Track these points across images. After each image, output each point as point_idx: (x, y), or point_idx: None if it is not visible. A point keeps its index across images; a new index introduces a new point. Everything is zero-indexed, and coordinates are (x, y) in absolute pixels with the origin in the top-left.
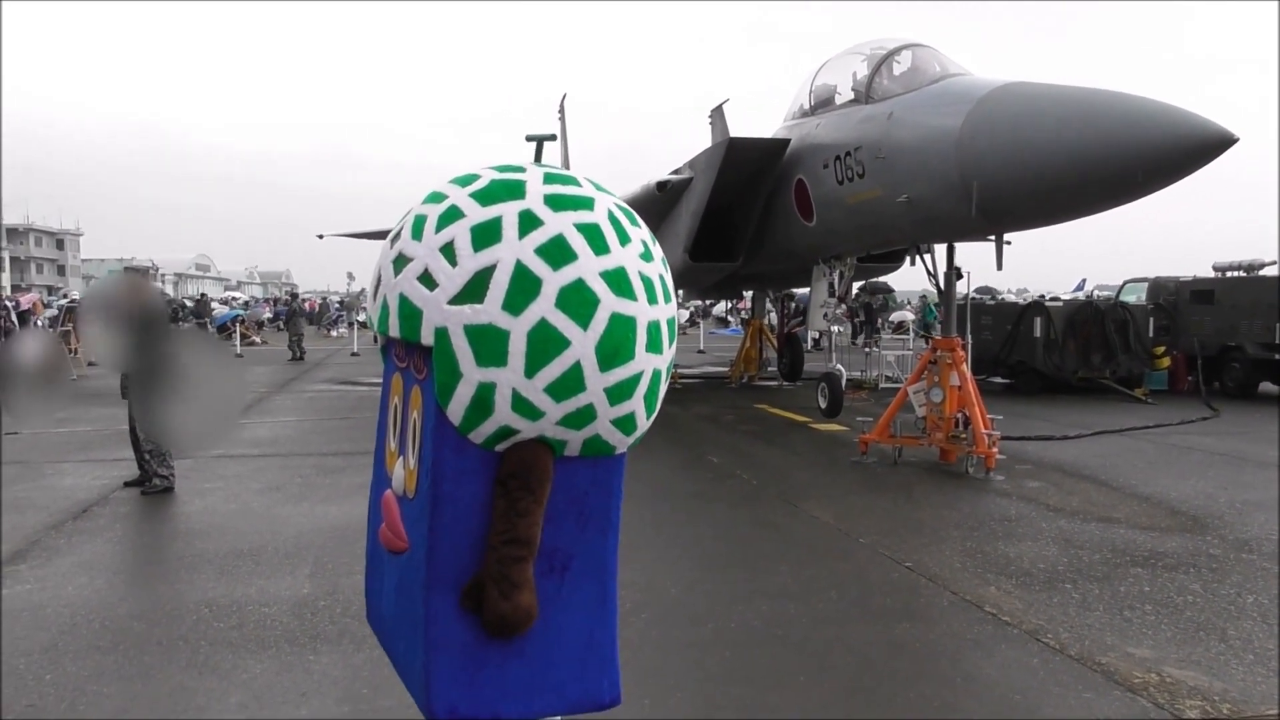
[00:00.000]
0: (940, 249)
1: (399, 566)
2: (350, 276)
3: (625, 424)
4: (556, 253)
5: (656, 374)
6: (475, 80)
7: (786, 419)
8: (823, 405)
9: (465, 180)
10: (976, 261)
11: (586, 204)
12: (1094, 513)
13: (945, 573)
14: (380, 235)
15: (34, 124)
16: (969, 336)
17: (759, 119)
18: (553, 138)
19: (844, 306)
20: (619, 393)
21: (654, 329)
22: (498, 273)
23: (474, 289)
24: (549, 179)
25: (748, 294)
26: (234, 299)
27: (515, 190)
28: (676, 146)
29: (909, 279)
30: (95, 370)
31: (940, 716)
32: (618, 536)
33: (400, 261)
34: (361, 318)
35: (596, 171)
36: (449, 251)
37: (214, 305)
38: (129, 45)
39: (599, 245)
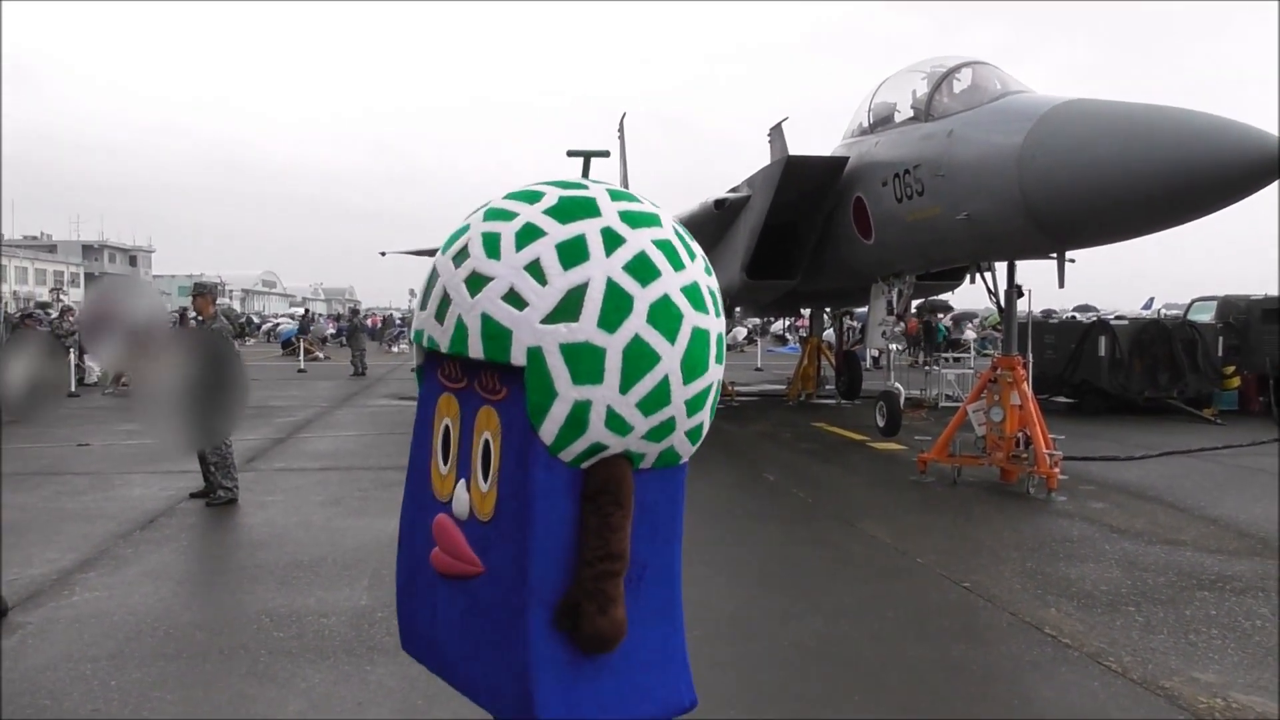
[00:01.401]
0: (1001, 267)
1: (467, 591)
2: (412, 293)
3: (695, 434)
4: (642, 270)
5: (719, 385)
6: (542, 92)
7: (844, 437)
8: (881, 424)
9: (530, 196)
10: (1039, 279)
11: (656, 221)
12: (1159, 534)
13: (1004, 594)
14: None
15: (108, 144)
16: (1030, 355)
17: (820, 134)
18: (606, 154)
19: (901, 325)
20: (695, 404)
21: (720, 341)
22: (590, 290)
23: (568, 307)
24: (613, 195)
25: (806, 312)
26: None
27: (589, 207)
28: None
29: (969, 297)
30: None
31: None
32: (681, 543)
33: (476, 281)
34: None
35: (655, 187)
36: (536, 270)
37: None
38: (201, 65)
39: (676, 261)
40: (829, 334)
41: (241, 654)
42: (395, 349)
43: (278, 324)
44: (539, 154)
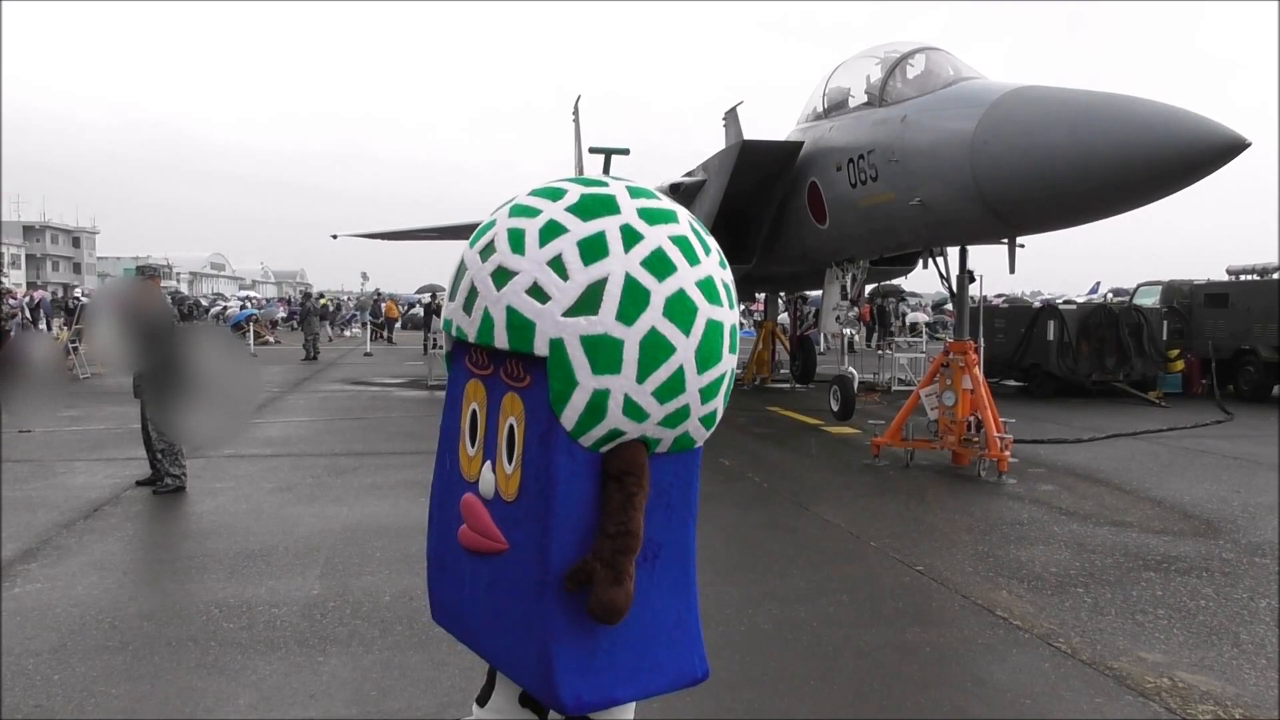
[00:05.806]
0: (953, 251)
1: (492, 567)
2: (364, 277)
3: (708, 420)
4: (659, 265)
5: (732, 373)
6: (491, 73)
7: (798, 421)
8: (835, 408)
9: (553, 194)
10: (989, 264)
11: (673, 217)
12: (1107, 516)
13: (956, 576)
14: (394, 236)
15: (50, 120)
16: (981, 340)
17: (775, 115)
18: (626, 151)
19: (855, 309)
20: (709, 391)
21: (733, 332)
22: (609, 285)
23: (588, 301)
24: (632, 192)
25: (760, 296)
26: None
27: (609, 205)
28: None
29: (922, 281)
30: (107, 368)
31: None
32: (695, 523)
33: (502, 275)
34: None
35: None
36: (558, 266)
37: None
38: (144, 41)
39: (691, 256)
40: (783, 318)
41: (190, 646)
42: (347, 334)
43: (225, 307)
44: (486, 134)
